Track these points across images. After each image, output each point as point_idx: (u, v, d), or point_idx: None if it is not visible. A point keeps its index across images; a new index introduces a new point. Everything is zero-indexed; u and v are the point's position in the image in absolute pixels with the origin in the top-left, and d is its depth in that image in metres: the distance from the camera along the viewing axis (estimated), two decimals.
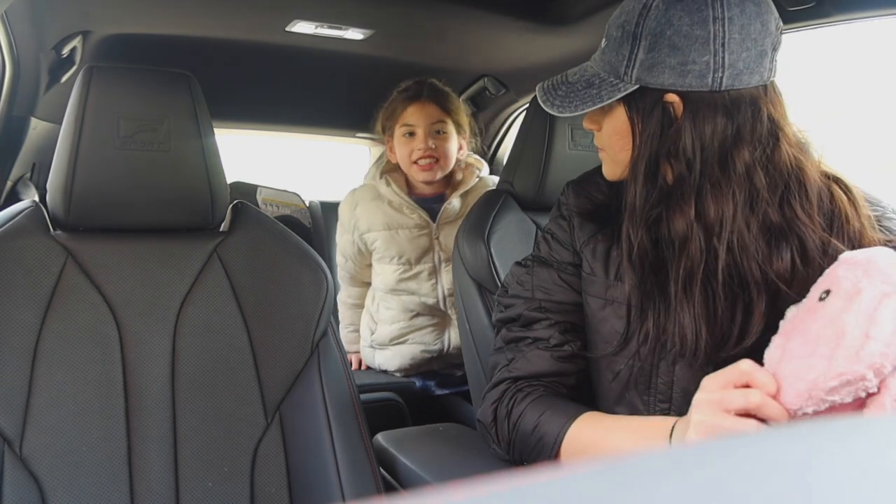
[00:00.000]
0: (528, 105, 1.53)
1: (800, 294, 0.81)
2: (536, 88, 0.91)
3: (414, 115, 1.63)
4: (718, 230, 0.79)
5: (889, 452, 0.23)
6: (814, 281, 0.80)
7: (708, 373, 0.70)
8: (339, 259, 1.80)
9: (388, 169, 1.73)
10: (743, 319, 0.81)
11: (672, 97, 0.80)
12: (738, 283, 0.80)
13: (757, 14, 0.78)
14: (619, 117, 0.85)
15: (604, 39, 0.86)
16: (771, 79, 0.82)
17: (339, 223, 1.78)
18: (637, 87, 0.81)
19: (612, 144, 0.88)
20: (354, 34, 1.63)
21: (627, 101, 0.83)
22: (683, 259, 0.81)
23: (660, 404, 0.88)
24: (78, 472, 0.94)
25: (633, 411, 0.90)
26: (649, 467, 0.22)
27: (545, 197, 1.39)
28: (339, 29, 1.60)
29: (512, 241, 1.35)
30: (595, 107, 0.83)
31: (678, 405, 0.87)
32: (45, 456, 0.93)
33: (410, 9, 1.54)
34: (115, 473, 0.95)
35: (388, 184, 1.67)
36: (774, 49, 0.81)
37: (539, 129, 1.37)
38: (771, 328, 0.78)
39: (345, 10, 1.53)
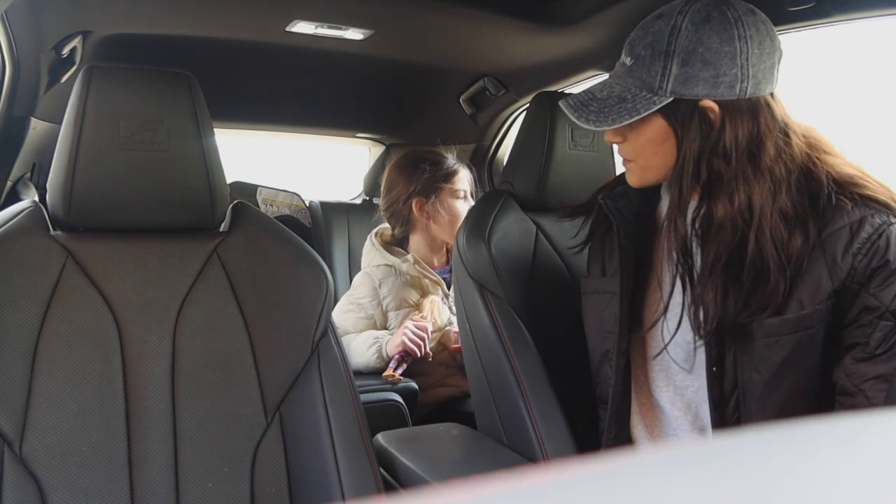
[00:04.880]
0: (528, 105, 1.53)
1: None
2: (562, 105, 1.00)
3: (462, 180, 1.75)
4: (749, 218, 0.90)
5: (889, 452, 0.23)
6: (815, 261, 0.91)
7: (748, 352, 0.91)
8: (351, 318, 1.75)
9: (388, 242, 1.79)
10: (765, 295, 0.92)
11: (708, 103, 0.90)
12: (760, 264, 0.91)
13: (767, 32, 0.91)
14: (653, 127, 0.94)
15: (628, 58, 0.95)
16: (776, 87, 0.94)
17: (354, 297, 1.75)
18: (672, 98, 0.90)
19: (645, 152, 0.97)
20: (354, 34, 1.63)
21: (665, 111, 0.92)
22: (717, 244, 0.92)
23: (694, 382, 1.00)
24: (78, 472, 0.94)
25: (677, 392, 1.03)
26: (649, 467, 0.23)
27: (545, 197, 1.39)
28: (339, 29, 1.59)
29: (512, 241, 1.35)
30: (633, 119, 0.92)
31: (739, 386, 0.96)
32: (45, 456, 0.93)
33: (410, 9, 1.54)
34: (115, 473, 0.95)
35: (413, 262, 1.73)
36: (780, 61, 0.93)
37: (539, 129, 1.37)
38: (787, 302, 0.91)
39: (345, 10, 1.53)
